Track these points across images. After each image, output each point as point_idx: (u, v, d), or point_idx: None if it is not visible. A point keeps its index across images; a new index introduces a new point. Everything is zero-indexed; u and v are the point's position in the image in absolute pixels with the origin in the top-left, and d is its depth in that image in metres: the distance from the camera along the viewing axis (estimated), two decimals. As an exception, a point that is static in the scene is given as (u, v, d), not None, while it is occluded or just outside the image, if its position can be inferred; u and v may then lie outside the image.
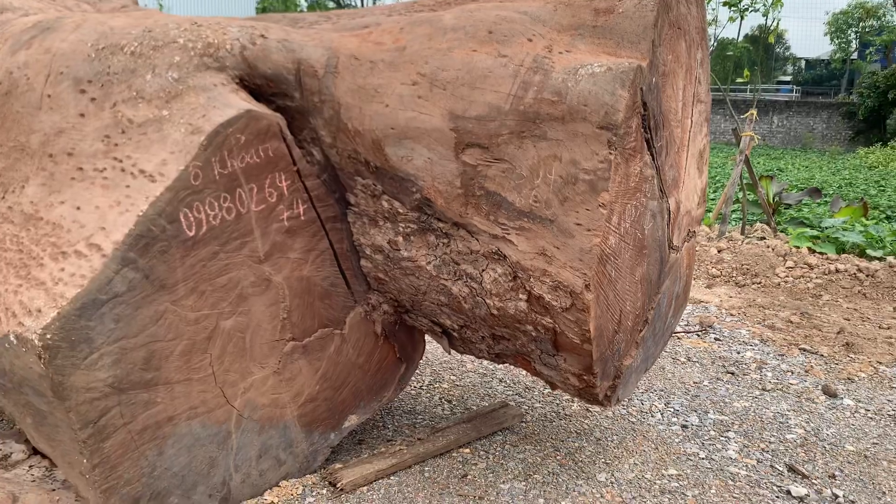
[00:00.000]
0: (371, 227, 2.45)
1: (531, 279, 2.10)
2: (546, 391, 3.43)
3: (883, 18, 45.84)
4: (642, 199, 2.18)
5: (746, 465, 2.75)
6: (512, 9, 2.27)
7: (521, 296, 2.16)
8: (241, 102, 2.20)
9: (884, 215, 10.51)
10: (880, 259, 5.75)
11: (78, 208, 2.17)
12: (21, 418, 2.24)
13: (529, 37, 2.12)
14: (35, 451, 2.69)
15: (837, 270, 5.59)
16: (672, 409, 3.25)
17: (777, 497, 2.53)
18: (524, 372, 3.58)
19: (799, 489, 2.57)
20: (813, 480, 2.66)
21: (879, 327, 4.67)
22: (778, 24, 9.25)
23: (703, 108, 2.80)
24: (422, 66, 2.16)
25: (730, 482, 2.63)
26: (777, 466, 2.76)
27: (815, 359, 4.02)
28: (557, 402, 3.31)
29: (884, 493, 2.60)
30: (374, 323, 2.65)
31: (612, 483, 2.59)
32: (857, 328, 4.59)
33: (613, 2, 2.17)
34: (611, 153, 1.92)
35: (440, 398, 3.32)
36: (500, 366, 3.75)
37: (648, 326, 2.45)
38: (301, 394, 2.50)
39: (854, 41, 50.09)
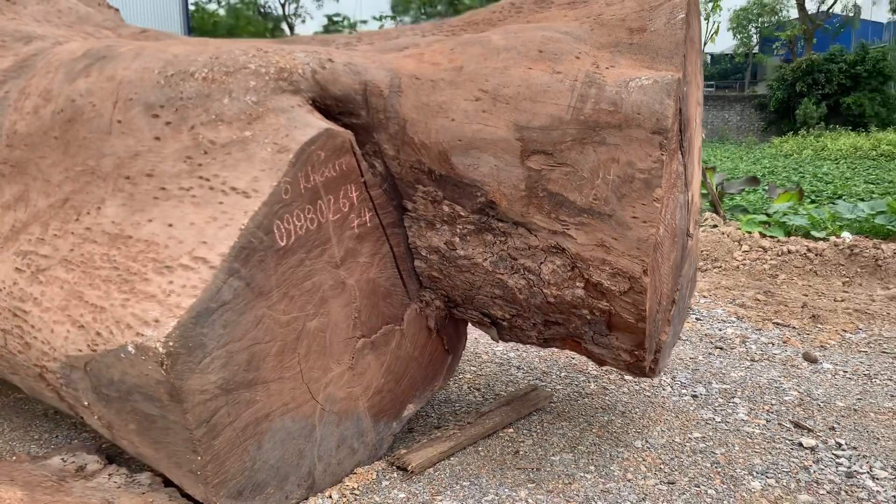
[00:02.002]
0: (428, 230, 2.69)
1: (590, 268, 2.38)
2: (563, 374, 3.72)
3: (780, 14, 48.36)
4: (676, 193, 2.49)
5: (758, 425, 3.11)
6: (553, 29, 2.55)
7: (578, 284, 2.44)
8: (319, 122, 2.41)
9: (808, 200, 11.29)
10: (825, 239, 6.30)
11: (170, 225, 2.33)
12: (122, 426, 2.38)
13: (577, 54, 2.41)
14: (110, 461, 2.82)
15: (789, 252, 6.10)
16: (679, 382, 3.59)
17: (792, 449, 2.89)
18: (539, 358, 3.87)
19: (808, 441, 2.94)
20: (817, 433, 3.03)
21: (835, 300, 5.16)
22: (718, 27, 9.83)
23: (701, 109, 3.15)
24: (483, 84, 2.41)
25: (748, 440, 2.97)
26: (784, 424, 3.12)
27: (789, 331, 4.45)
28: (575, 383, 3.61)
29: (878, 439, 2.99)
30: (427, 318, 2.88)
31: (648, 448, 2.90)
32: (816, 302, 5.06)
33: (644, 22, 2.48)
34: (662, 154, 2.22)
35: (468, 387, 3.57)
36: (515, 355, 4.03)
37: (675, 306, 2.77)
38: (370, 386, 2.71)
39: (755, 36, 52.58)
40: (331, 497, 2.55)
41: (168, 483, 2.62)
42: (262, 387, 2.34)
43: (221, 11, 39.77)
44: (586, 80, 2.30)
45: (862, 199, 11.50)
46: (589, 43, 2.48)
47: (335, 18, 49.24)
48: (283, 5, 42.27)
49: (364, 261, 2.62)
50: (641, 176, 2.24)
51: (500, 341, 2.92)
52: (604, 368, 3.80)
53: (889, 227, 6.39)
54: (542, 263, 2.48)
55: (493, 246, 2.57)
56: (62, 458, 2.82)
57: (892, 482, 2.63)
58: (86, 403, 2.39)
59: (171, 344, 2.07)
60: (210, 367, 2.17)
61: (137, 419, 2.31)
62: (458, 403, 3.38)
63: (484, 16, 3.02)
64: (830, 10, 37.20)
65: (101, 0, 4.37)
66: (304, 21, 40.75)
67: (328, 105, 2.51)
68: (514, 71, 2.39)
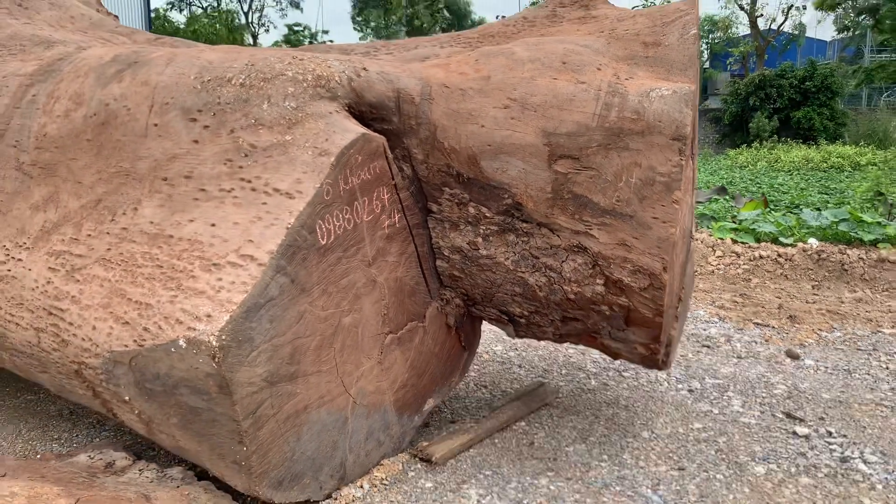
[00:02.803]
0: (451, 231, 2.82)
1: (611, 266, 2.53)
2: (564, 371, 3.88)
3: (729, 31, 49.77)
4: (687, 197, 2.67)
5: (753, 416, 3.30)
6: (572, 42, 2.71)
7: (598, 281, 2.59)
8: (356, 127, 2.52)
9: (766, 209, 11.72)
10: (793, 245, 6.59)
11: (213, 225, 2.42)
12: (163, 420, 2.45)
13: (598, 66, 2.57)
14: (138, 457, 2.87)
15: (761, 257, 6.38)
16: (675, 378, 3.78)
17: (788, 437, 3.09)
18: (538, 357, 4.02)
19: (802, 429, 3.14)
20: (808, 423, 3.24)
21: (807, 302, 5.43)
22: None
23: (696, 115, 3.35)
24: (511, 92, 2.56)
25: (746, 429, 3.16)
26: (777, 415, 3.32)
27: (769, 330, 4.68)
28: (577, 380, 3.77)
29: (864, 427, 3.20)
30: (447, 316, 3.01)
31: (655, 438, 3.07)
32: (790, 304, 5.33)
33: (658, 37, 2.66)
34: (681, 159, 2.39)
35: (475, 385, 3.70)
36: (514, 354, 4.17)
37: (681, 303, 2.95)
38: (396, 381, 2.83)
39: (706, 51, 53.98)
40: (362, 487, 2.65)
41: (201, 477, 2.69)
42: (302, 380, 2.43)
43: (181, 18, 39.36)
44: (609, 90, 2.47)
45: (818, 209, 11.97)
46: (607, 55, 2.65)
47: (296, 28, 49.18)
48: (246, 14, 42.02)
49: (392, 260, 2.73)
50: (662, 179, 2.41)
51: (515, 338, 3.06)
52: (602, 366, 3.96)
53: (852, 234, 6.71)
54: (563, 262, 2.62)
55: (515, 245, 2.71)
56: (89, 456, 2.86)
57: (882, 465, 2.84)
58: (126, 398, 2.45)
59: (223, 338, 2.16)
60: (257, 360, 2.26)
61: (181, 412, 2.38)
62: (468, 400, 3.51)
63: (498, 29, 3.18)
64: (781, 28, 38.47)
65: (101, 7, 4.42)
66: (267, 30, 40.50)
67: (362, 111, 2.63)
68: (541, 81, 2.55)
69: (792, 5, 31.97)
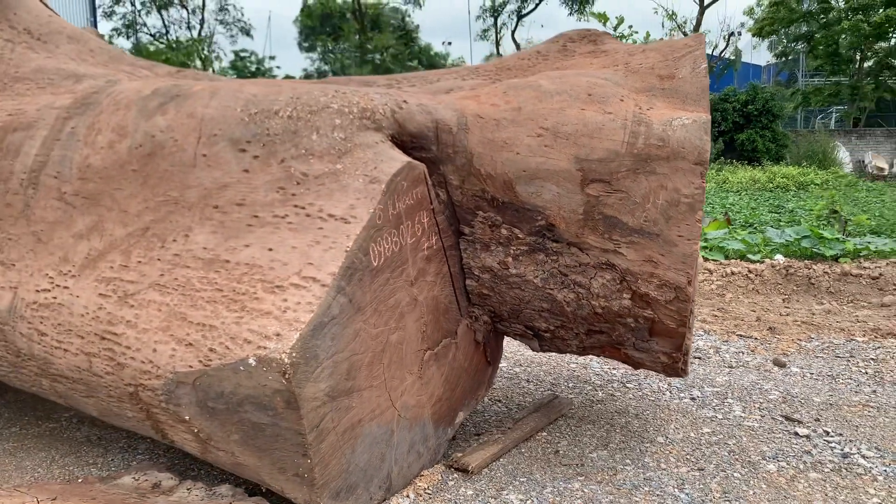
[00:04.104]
0: (482, 252, 2.99)
1: (638, 281, 2.75)
2: (570, 384, 4.07)
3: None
4: (700, 214, 2.90)
5: (755, 420, 3.54)
6: (593, 75, 2.94)
7: (625, 295, 2.80)
8: (401, 155, 2.69)
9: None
10: (760, 261, 6.96)
11: (270, 249, 2.55)
12: (223, 437, 2.54)
13: (620, 97, 2.80)
14: (182, 478, 2.95)
15: (733, 273, 6.72)
16: (675, 387, 4.01)
17: (791, 437, 3.33)
18: (543, 372, 4.22)
19: (802, 430, 3.39)
20: (806, 424, 3.49)
21: (780, 314, 5.76)
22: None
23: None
24: (543, 122, 2.76)
25: (751, 432, 3.39)
26: (776, 418, 3.57)
27: (752, 341, 4.97)
28: (584, 392, 3.97)
29: (856, 427, 3.47)
30: (476, 332, 3.17)
31: (670, 443, 3.27)
32: (766, 316, 5.64)
33: (672, 70, 2.90)
34: (703, 182, 2.62)
35: (490, 400, 3.87)
36: (520, 370, 4.35)
37: (692, 315, 3.17)
38: (433, 395, 2.98)
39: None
40: (408, 496, 2.78)
41: (251, 494, 2.79)
42: (357, 394, 2.57)
43: (128, 45, 38.89)
44: (635, 120, 2.70)
45: (772, 227, 12.51)
46: (626, 87, 2.88)
47: (242, 54, 49.15)
48: (190, 41, 41.76)
49: (430, 279, 2.90)
50: (686, 200, 2.63)
51: (539, 351, 3.24)
52: (605, 378, 4.17)
53: (814, 250, 7.11)
54: (592, 278, 2.83)
55: (544, 264, 2.90)
56: (133, 477, 2.93)
57: (879, 459, 3.09)
58: (186, 418, 2.55)
59: (294, 355, 2.29)
60: (321, 376, 2.39)
61: (243, 429, 2.49)
62: (487, 413, 3.67)
63: (514, 62, 3.39)
64: (722, 54, 40.02)
65: (94, 30, 4.50)
66: (218, 57, 40.36)
67: (404, 141, 2.80)
68: (570, 111, 2.76)
69: (733, 32, 33.34)
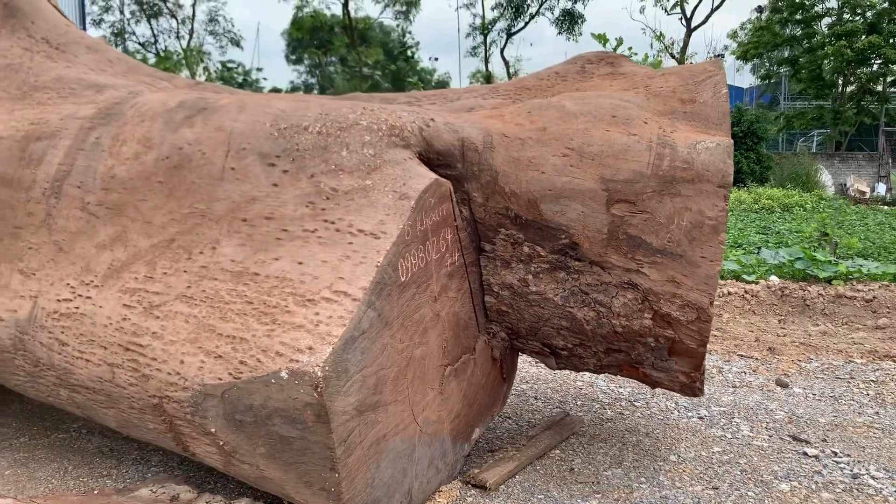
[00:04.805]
0: (503, 269, 3.03)
1: (660, 301, 2.79)
2: (579, 402, 4.10)
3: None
4: (723, 236, 2.95)
5: (764, 439, 3.59)
6: (615, 97, 2.99)
7: (646, 315, 2.84)
8: (428, 172, 2.72)
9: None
10: (755, 282, 7.04)
11: (300, 263, 2.57)
12: (248, 450, 2.54)
13: (644, 119, 2.85)
14: (200, 491, 2.94)
15: (729, 293, 6.80)
16: (683, 406, 4.05)
17: (800, 457, 3.37)
18: (551, 390, 4.24)
19: (811, 450, 3.43)
20: (814, 444, 3.54)
21: (778, 335, 5.83)
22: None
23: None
24: (568, 142, 2.81)
25: (761, 452, 3.43)
26: (784, 438, 3.62)
27: (753, 362, 5.03)
28: (592, 410, 4.00)
29: (863, 447, 3.52)
30: (493, 349, 3.20)
31: (683, 461, 3.31)
32: (764, 337, 5.71)
33: (693, 94, 2.96)
34: (726, 204, 2.67)
35: (500, 417, 3.89)
36: (527, 387, 4.37)
37: (706, 335, 3.22)
38: (452, 410, 2.99)
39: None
40: (429, 512, 2.79)
41: (271, 507, 2.79)
42: (383, 409, 2.58)
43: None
44: (660, 142, 2.75)
45: (759, 248, 12.66)
46: (649, 110, 2.94)
47: (230, 65, 49.21)
48: (183, 51, 41.73)
49: (452, 295, 2.92)
50: (710, 222, 2.69)
51: (555, 369, 3.27)
52: (613, 396, 4.20)
53: (808, 272, 7.21)
54: (613, 297, 2.86)
55: (565, 282, 2.94)
56: (151, 490, 2.92)
57: (889, 480, 3.14)
58: (212, 430, 2.55)
59: (326, 368, 2.30)
60: (350, 390, 2.40)
61: (271, 442, 2.49)
62: (498, 430, 3.69)
63: (533, 82, 3.44)
64: (707, 76, 40.49)
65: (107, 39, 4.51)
66: (206, 69, 40.32)
67: (430, 158, 2.83)
68: (595, 133, 2.81)
69: (720, 54, 33.81)
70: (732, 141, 2.76)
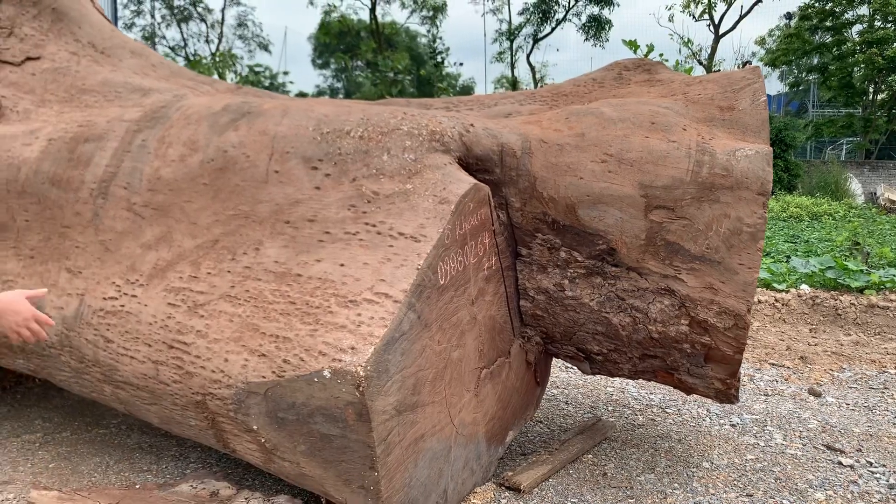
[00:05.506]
0: (539, 273, 3.05)
1: (697, 307, 2.80)
2: (610, 408, 4.11)
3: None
4: (762, 243, 2.96)
5: (797, 448, 3.57)
6: (654, 104, 3.01)
7: (683, 321, 2.85)
8: (468, 177, 2.76)
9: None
10: (786, 291, 6.99)
11: (342, 265, 2.61)
12: (289, 448, 2.59)
13: (683, 126, 2.87)
14: (239, 487, 2.99)
15: (759, 301, 6.75)
16: (714, 414, 4.04)
17: (835, 466, 3.36)
18: (582, 395, 4.25)
19: (846, 460, 3.42)
20: (849, 454, 3.52)
21: (809, 344, 5.79)
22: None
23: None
24: (607, 148, 2.83)
25: (795, 460, 3.42)
26: (818, 447, 3.60)
27: (785, 370, 5.00)
28: (624, 416, 4.00)
29: (899, 458, 3.50)
30: (528, 353, 3.22)
31: (716, 468, 3.31)
32: (795, 346, 5.67)
33: (731, 101, 2.97)
34: (765, 212, 2.68)
35: (532, 422, 3.90)
36: (558, 391, 4.39)
37: (740, 342, 3.21)
38: (487, 413, 3.02)
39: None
40: (464, 513, 2.82)
41: (309, 504, 2.84)
42: (421, 409, 2.62)
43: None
44: (699, 149, 2.76)
45: (788, 256, 12.55)
46: (687, 117, 2.95)
47: (256, 69, 49.67)
48: (213, 55, 42.18)
49: (489, 299, 2.95)
50: (748, 229, 2.69)
51: (589, 374, 3.29)
52: (644, 402, 4.21)
53: (838, 281, 7.14)
54: (650, 303, 2.88)
55: (601, 287, 2.96)
56: (191, 485, 2.98)
57: (926, 491, 3.12)
58: (254, 428, 2.60)
59: (368, 368, 2.34)
60: (390, 390, 2.44)
61: (311, 440, 2.53)
62: (530, 434, 3.71)
63: (570, 88, 3.47)
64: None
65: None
66: (238, 73, 40.74)
67: (469, 163, 2.87)
68: (634, 139, 2.83)
69: (748, 61, 33.53)
70: (771, 149, 2.76)
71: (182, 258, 2.92)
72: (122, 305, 2.93)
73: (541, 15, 36.62)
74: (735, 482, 3.16)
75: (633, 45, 8.43)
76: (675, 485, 3.13)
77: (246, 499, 2.90)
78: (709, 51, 33.12)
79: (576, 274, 2.98)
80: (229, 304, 2.71)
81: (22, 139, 3.39)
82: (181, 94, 3.43)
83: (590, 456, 3.42)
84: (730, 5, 31.95)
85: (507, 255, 3.03)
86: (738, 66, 35.21)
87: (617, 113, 2.95)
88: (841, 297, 6.54)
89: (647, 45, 8.73)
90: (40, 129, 3.42)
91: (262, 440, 2.63)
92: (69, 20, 3.92)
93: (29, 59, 3.79)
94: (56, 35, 3.92)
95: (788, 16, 36.64)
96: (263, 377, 2.51)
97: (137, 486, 3.03)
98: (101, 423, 3.74)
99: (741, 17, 33.63)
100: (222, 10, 50.60)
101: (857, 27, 32.44)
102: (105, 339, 2.94)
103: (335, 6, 41.23)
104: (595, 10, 36.07)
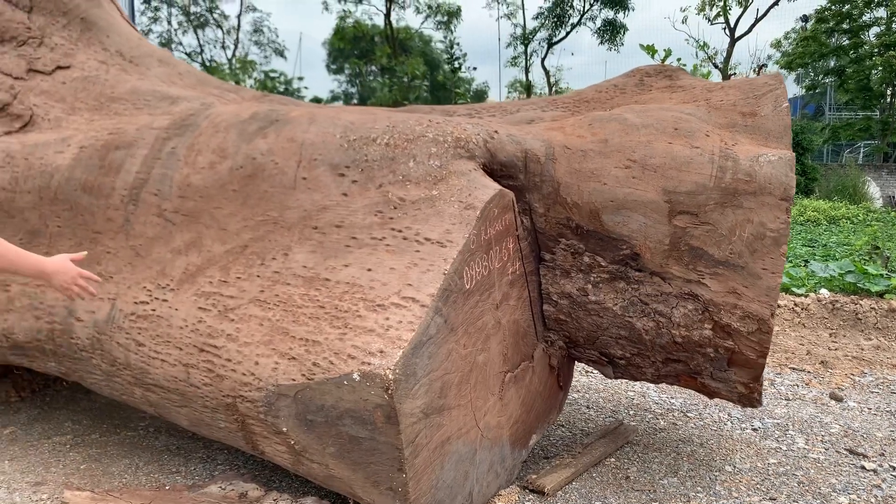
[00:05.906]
0: (562, 278, 3.08)
1: (721, 311, 2.82)
2: (631, 412, 4.13)
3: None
4: (785, 248, 2.98)
5: (820, 452, 3.58)
6: (677, 110, 3.04)
7: (706, 325, 2.87)
8: (492, 183, 2.80)
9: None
10: (805, 295, 6.97)
11: (369, 270, 2.66)
12: (318, 450, 2.63)
13: (706, 132, 2.90)
14: (267, 489, 3.04)
15: (779, 306, 6.74)
16: (736, 418, 4.05)
17: (858, 471, 3.36)
18: (603, 399, 4.27)
19: (869, 464, 3.42)
20: (872, 458, 3.52)
21: (829, 348, 5.77)
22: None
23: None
24: (631, 154, 2.86)
25: (818, 464, 3.43)
26: (840, 451, 3.60)
27: (805, 375, 5.00)
28: (645, 420, 4.02)
29: (922, 463, 3.50)
30: (551, 357, 3.25)
31: (739, 472, 3.32)
32: (815, 350, 5.66)
33: (754, 107, 3.00)
34: (788, 217, 2.70)
35: (554, 426, 3.93)
36: (579, 395, 4.41)
37: (763, 346, 3.23)
38: (512, 416, 3.05)
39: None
40: (489, 515, 2.85)
41: (336, 505, 2.88)
42: (447, 412, 2.65)
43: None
44: (722, 155, 2.79)
45: (806, 261, 12.48)
46: (710, 123, 2.98)
47: (272, 74, 49.96)
48: (229, 61, 42.53)
49: (512, 304, 2.99)
50: (771, 234, 2.71)
51: (613, 378, 3.31)
52: (665, 407, 4.22)
53: (858, 285, 7.12)
54: (673, 308, 2.90)
55: (624, 292, 2.98)
56: (220, 487, 3.03)
57: (951, 496, 3.12)
58: (284, 430, 2.65)
59: (397, 371, 2.38)
60: (418, 393, 2.48)
61: (340, 442, 2.58)
62: (553, 437, 3.74)
63: (592, 95, 3.50)
64: (750, 86, 39.89)
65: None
66: (255, 78, 41.06)
67: (493, 169, 2.91)
68: (658, 145, 2.86)
69: (764, 64, 33.38)
70: (794, 154, 2.78)
71: (212, 263, 2.97)
72: (154, 310, 2.99)
73: (555, 19, 36.62)
74: (758, 486, 3.18)
75: (650, 49, 8.44)
76: (699, 488, 3.14)
77: (274, 500, 2.95)
78: (724, 54, 32.99)
79: (599, 279, 3.01)
80: (259, 308, 2.76)
81: (54, 147, 3.47)
82: (208, 103, 3.50)
83: (612, 459, 3.44)
84: (745, 8, 31.80)
85: (530, 259, 3.07)
86: (754, 70, 35.05)
87: (640, 119, 2.98)
88: (861, 302, 6.51)
89: (664, 50, 8.74)
90: (71, 137, 3.49)
91: (292, 442, 2.68)
92: (98, 29, 4.00)
93: (59, 67, 3.87)
94: (85, 44, 4.00)
95: (804, 18, 36.43)
96: (293, 380, 2.55)
97: (167, 488, 3.09)
98: (128, 426, 3.80)
99: (757, 20, 33.47)
100: (238, 16, 51.06)
101: (875, 29, 32.21)
102: (136, 343, 3.00)
103: (350, 11, 41.48)
104: (610, 14, 36.02)
